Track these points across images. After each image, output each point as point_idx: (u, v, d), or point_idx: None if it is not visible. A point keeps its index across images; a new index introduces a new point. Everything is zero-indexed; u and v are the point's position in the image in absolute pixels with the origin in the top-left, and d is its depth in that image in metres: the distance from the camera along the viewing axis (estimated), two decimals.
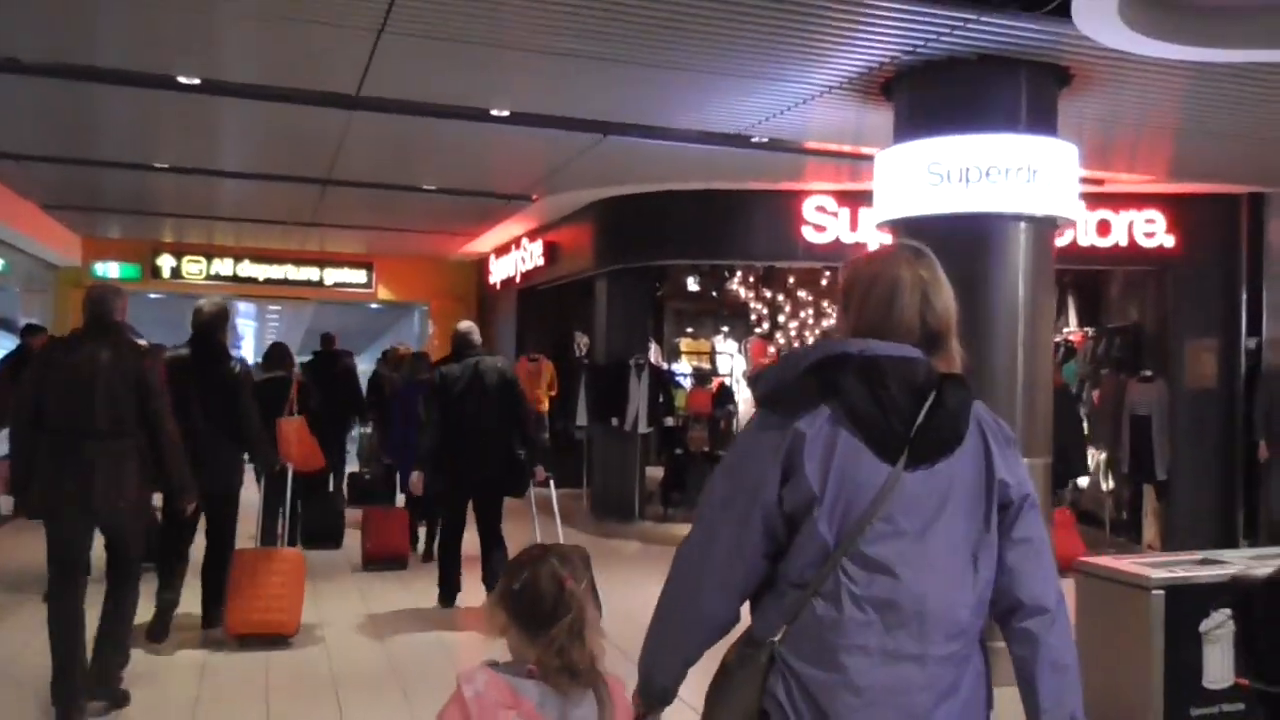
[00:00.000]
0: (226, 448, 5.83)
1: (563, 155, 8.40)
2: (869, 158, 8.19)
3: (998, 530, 1.85)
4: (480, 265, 15.94)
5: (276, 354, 8.37)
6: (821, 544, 1.77)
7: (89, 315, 4.72)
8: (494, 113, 6.98)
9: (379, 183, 9.88)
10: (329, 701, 5.11)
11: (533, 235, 12.64)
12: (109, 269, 14.87)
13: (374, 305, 17.44)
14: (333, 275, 15.81)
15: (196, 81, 6.44)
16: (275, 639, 5.91)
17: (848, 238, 9.50)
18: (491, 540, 6.64)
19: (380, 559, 8.14)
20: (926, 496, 1.79)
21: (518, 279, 13.40)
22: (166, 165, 9.39)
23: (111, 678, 4.79)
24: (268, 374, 7.89)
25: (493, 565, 6.52)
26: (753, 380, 1.98)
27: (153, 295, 16.97)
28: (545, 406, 13.06)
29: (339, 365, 10.10)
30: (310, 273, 15.71)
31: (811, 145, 7.85)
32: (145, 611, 5.39)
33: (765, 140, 7.50)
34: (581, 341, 13.51)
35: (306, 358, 10.62)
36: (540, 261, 12.33)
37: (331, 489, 9.91)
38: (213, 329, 5.94)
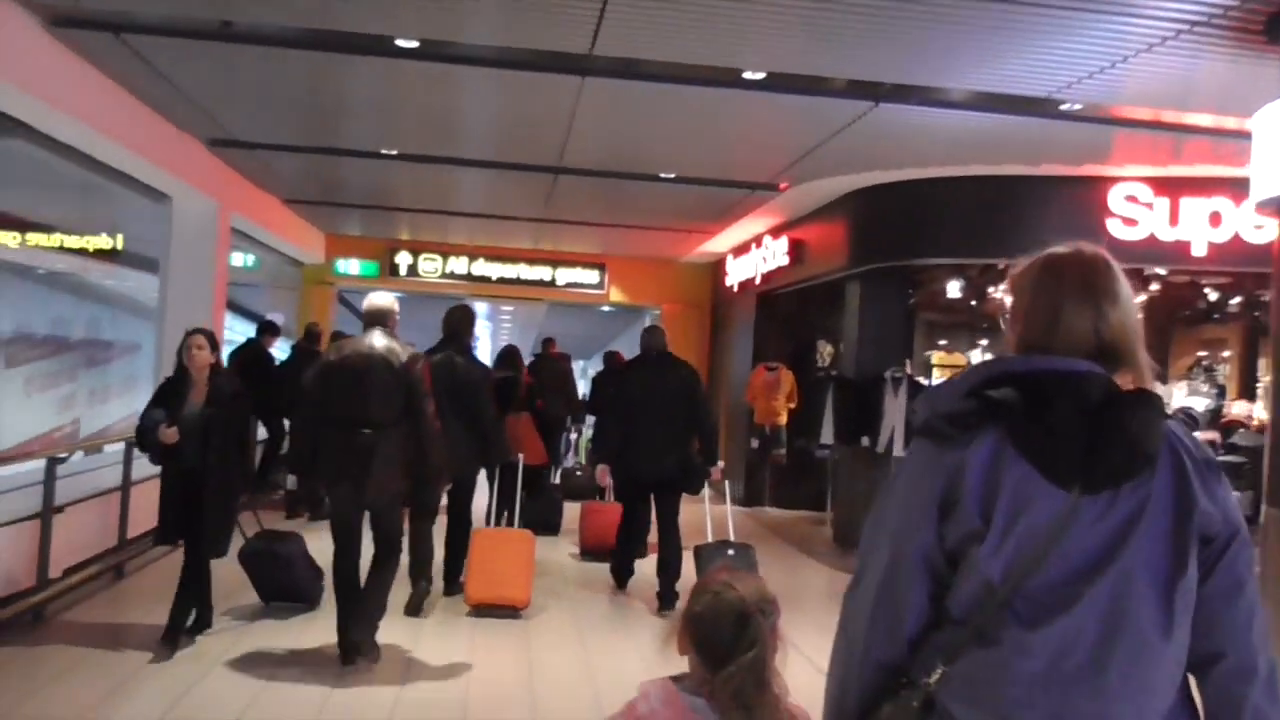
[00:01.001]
0: (464, 441, 6.47)
1: (822, 130, 7.24)
2: (1209, 132, 6.64)
3: (1198, 569, 1.61)
4: (715, 267, 15.01)
5: (508, 356, 9.00)
6: (986, 581, 1.60)
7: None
8: (746, 75, 5.94)
9: (612, 170, 9.06)
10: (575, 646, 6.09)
11: (776, 232, 11.54)
12: (350, 266, 14.98)
13: (605, 308, 16.87)
14: (565, 275, 15.32)
15: (415, 44, 5.77)
16: (508, 610, 6.59)
17: (1165, 234, 7.85)
18: (668, 534, 7.00)
19: (596, 549, 8.42)
20: (1109, 529, 1.59)
21: (757, 280, 12.33)
22: (397, 153, 8.95)
23: (363, 635, 5.43)
24: (500, 374, 8.24)
25: (667, 557, 6.93)
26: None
27: (395, 295, 17.13)
28: (784, 420, 11.96)
29: (558, 368, 10.71)
30: (543, 272, 15.27)
31: (1131, 114, 6.34)
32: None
33: (1078, 108, 6.08)
34: (825, 350, 12.29)
35: (528, 360, 10.74)
36: (784, 261, 11.21)
37: (548, 483, 10.31)
38: (462, 330, 6.80)
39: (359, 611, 5.35)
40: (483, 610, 6.54)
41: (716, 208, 10.66)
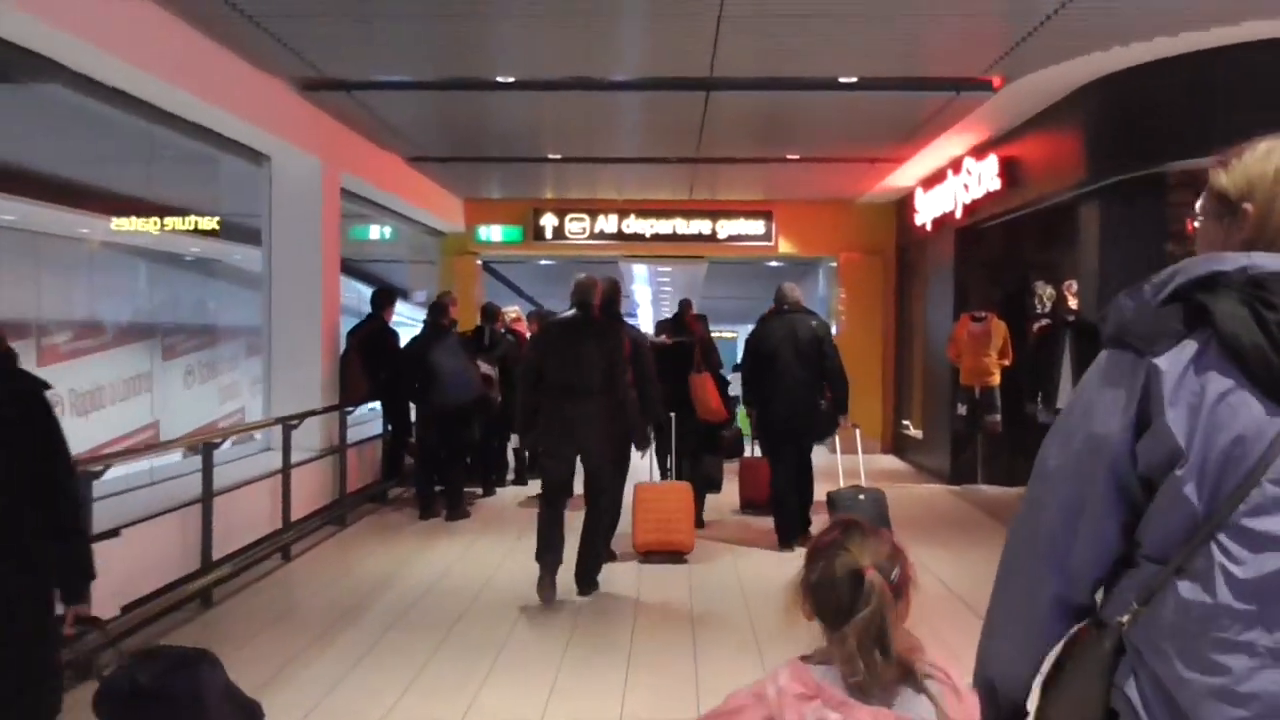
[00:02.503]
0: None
1: None
2: None
3: None
4: (900, 206, 12.99)
5: (681, 321, 9.09)
6: (1188, 512, 1.43)
7: (576, 300, 6.22)
8: None
9: (775, 77, 7.27)
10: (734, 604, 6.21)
11: (980, 151, 9.50)
12: (492, 233, 13.74)
13: (773, 262, 15.09)
14: (726, 227, 13.60)
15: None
16: (675, 555, 7.17)
17: None
18: (801, 477, 7.60)
19: (753, 501, 8.85)
20: None
21: (957, 214, 10.29)
22: (531, 79, 7.46)
23: (589, 576, 6.28)
24: (675, 339, 8.60)
25: (804, 500, 7.59)
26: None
27: (543, 261, 15.89)
28: (996, 379, 9.95)
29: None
30: (701, 225, 13.60)
31: None
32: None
33: None
34: (1044, 293, 10.16)
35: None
36: (992, 185, 9.16)
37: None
38: (611, 300, 6.89)
39: (582, 558, 6.21)
40: (650, 555, 7.13)
41: (906, 123, 8.72)
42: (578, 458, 6.18)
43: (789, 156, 10.29)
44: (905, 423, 13.03)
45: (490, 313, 9.90)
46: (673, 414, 7.75)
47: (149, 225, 11.53)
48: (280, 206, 8.13)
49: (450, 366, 8.38)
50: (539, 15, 5.81)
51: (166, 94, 6.11)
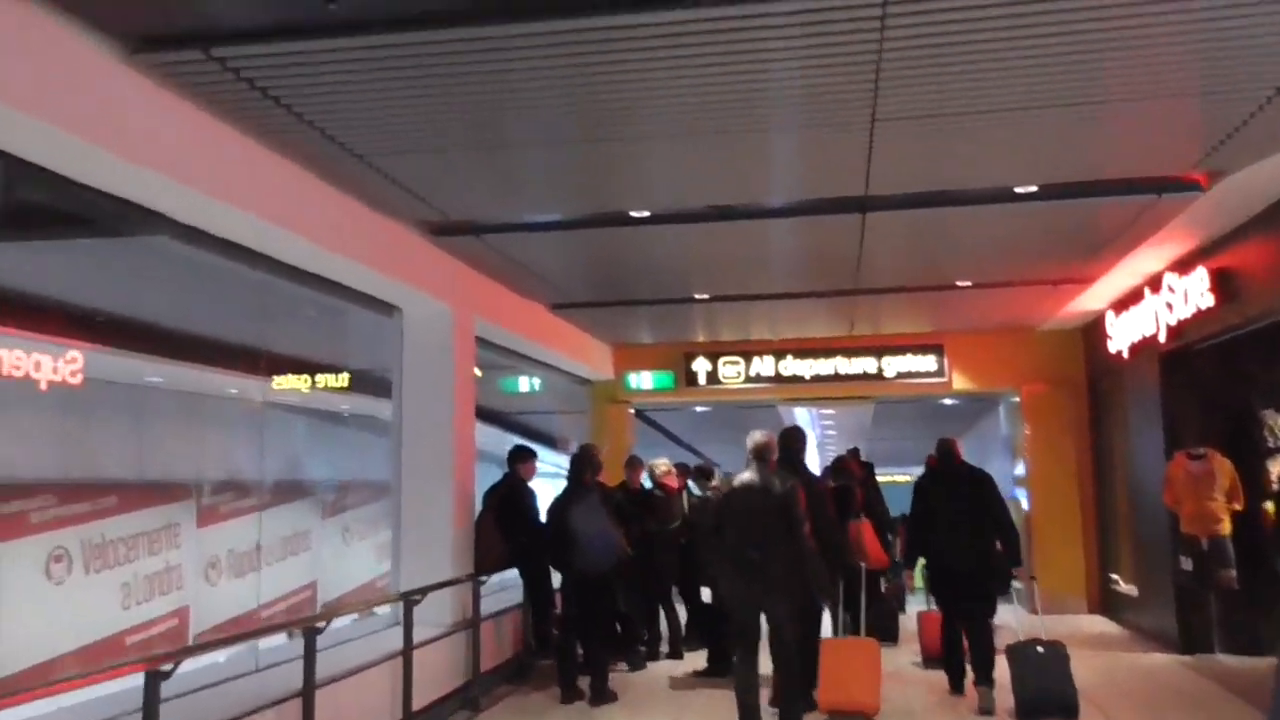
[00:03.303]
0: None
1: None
2: None
3: None
4: (1088, 332, 11.73)
5: (842, 465, 9.35)
6: None
7: (754, 457, 6.41)
8: None
9: (939, 191, 6.45)
10: None
11: (1185, 265, 8.31)
12: (642, 380, 13.16)
13: (947, 400, 13.90)
14: (894, 364, 12.59)
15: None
16: (859, 715, 6.80)
17: None
18: (978, 632, 7.26)
19: (937, 656, 8.11)
20: None
21: (1160, 337, 9.02)
22: (652, 215, 6.90)
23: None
24: (836, 483, 8.55)
25: (978, 652, 7.21)
26: None
27: (699, 408, 15.20)
28: (1227, 527, 8.44)
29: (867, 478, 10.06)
30: (865, 363, 12.64)
31: None
32: None
33: None
34: (1276, 424, 8.69)
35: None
36: (1204, 302, 7.92)
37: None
38: (792, 448, 7.27)
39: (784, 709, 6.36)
40: (835, 716, 6.82)
41: (1094, 236, 7.70)
42: (762, 616, 6.27)
43: (959, 284, 9.33)
44: (1114, 577, 11.39)
45: (631, 465, 9.17)
46: (862, 565, 7.94)
47: (300, 383, 11.49)
48: (411, 356, 7.73)
49: (590, 528, 7.61)
50: (680, 135, 5.21)
51: (282, 243, 5.79)
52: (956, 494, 7.29)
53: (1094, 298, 10.11)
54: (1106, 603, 11.57)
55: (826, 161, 5.77)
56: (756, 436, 6.46)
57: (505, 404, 13.85)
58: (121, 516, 9.14)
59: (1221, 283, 7.68)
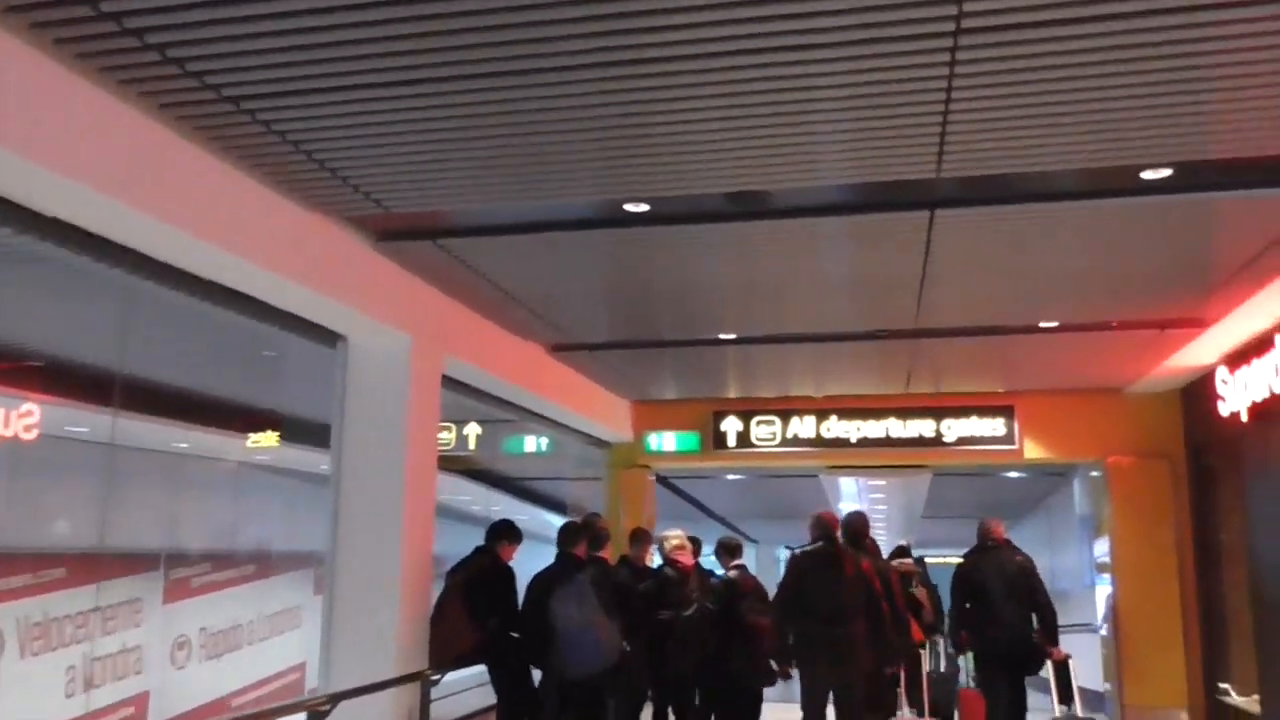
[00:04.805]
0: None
1: None
2: None
3: None
4: (1190, 393, 9.96)
5: (897, 550, 9.51)
6: None
7: (819, 535, 6.84)
8: None
9: (1021, 174, 4.83)
10: None
11: None
12: (664, 441, 11.55)
13: (1013, 472, 12.12)
14: (955, 428, 10.86)
15: None
16: None
17: None
18: (1018, 708, 7.68)
19: None
20: None
21: None
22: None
23: None
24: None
25: None
26: None
27: (731, 476, 13.57)
28: None
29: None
30: (922, 426, 10.92)
31: None
32: None
33: None
34: None
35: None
36: None
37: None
38: (858, 533, 7.54)
39: None
40: None
41: (1210, 263, 6.04)
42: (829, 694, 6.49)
43: (1042, 325, 7.66)
44: (1224, 686, 9.45)
45: (637, 540, 7.53)
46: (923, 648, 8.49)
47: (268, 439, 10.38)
48: (356, 395, 6.21)
49: (573, 618, 5.96)
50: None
51: (152, 235, 4.33)
52: (1002, 576, 7.62)
53: (1203, 349, 8.38)
54: (1214, 718, 9.64)
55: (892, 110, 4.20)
56: (821, 515, 6.96)
57: (511, 467, 12.37)
58: (71, 591, 7.88)
59: None
